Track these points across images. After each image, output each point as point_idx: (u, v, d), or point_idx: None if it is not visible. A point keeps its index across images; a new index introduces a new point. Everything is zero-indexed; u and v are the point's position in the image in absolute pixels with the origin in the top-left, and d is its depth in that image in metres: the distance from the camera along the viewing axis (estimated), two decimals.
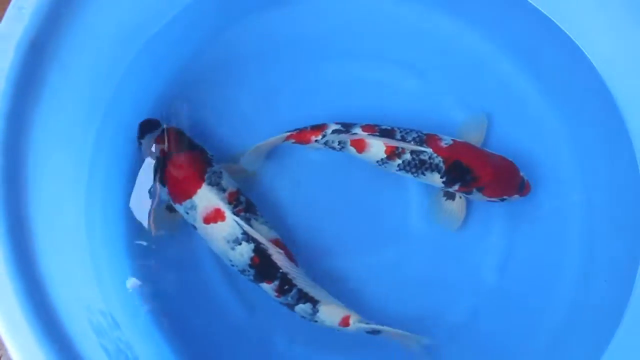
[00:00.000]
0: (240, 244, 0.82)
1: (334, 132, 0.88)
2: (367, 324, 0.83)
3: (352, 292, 0.90)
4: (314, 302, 0.83)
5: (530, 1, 0.91)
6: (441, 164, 0.86)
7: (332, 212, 0.93)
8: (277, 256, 0.82)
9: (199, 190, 0.84)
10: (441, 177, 0.87)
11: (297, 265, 0.84)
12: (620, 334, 0.83)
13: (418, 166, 0.87)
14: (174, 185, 0.86)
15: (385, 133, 0.87)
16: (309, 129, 0.89)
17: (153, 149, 0.88)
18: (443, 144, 0.87)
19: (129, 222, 0.88)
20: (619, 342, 0.83)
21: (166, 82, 0.91)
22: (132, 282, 0.87)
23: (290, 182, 0.94)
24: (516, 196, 0.89)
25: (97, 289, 0.80)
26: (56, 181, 0.77)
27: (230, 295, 0.91)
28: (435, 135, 0.88)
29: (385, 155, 0.87)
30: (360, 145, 0.87)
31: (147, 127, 0.88)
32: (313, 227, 0.92)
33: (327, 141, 0.88)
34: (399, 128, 0.88)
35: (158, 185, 0.87)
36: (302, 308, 0.83)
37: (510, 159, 0.90)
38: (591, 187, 0.92)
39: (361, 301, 0.90)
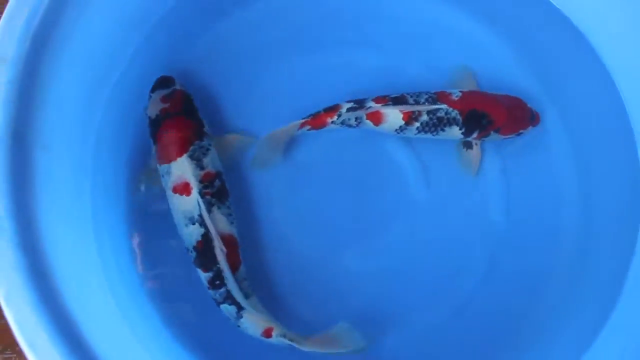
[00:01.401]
0: (193, 224, 0.83)
1: (348, 110, 0.88)
2: (290, 339, 0.81)
3: (369, 271, 0.93)
4: (239, 308, 0.82)
5: None
6: (458, 117, 0.88)
7: (333, 205, 0.94)
8: (218, 251, 0.82)
9: (178, 159, 0.84)
10: (460, 129, 0.89)
11: (238, 266, 0.84)
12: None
13: (436, 124, 0.89)
14: (160, 146, 0.86)
15: (398, 101, 0.88)
16: (322, 112, 0.89)
17: (157, 104, 0.88)
18: (454, 97, 0.89)
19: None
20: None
21: (134, 131, 0.91)
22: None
23: (284, 191, 0.94)
24: (529, 127, 0.92)
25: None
26: (75, 262, 0.77)
27: None
28: (444, 91, 0.90)
29: (403, 122, 0.88)
30: (376, 118, 0.88)
31: (159, 83, 0.89)
32: (318, 226, 0.94)
33: (343, 120, 0.89)
34: (408, 93, 0.89)
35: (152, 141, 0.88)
36: (227, 309, 0.83)
37: (517, 96, 0.93)
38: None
39: (379, 277, 0.93)
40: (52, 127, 0.77)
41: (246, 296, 0.83)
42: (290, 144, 0.93)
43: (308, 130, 0.90)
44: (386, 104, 0.88)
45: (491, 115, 0.89)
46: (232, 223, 0.85)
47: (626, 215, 0.88)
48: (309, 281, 0.92)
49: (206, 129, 0.88)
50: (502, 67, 0.97)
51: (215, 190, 0.85)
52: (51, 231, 0.74)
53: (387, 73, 0.96)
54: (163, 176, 0.85)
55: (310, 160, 0.95)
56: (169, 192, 0.84)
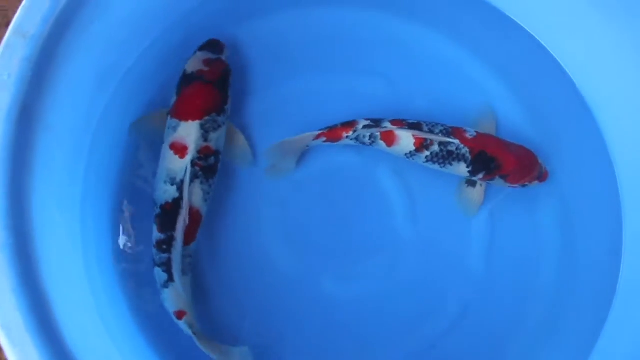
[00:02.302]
0: (172, 185, 0.84)
1: (364, 127, 0.89)
2: (194, 332, 0.81)
3: (344, 296, 0.93)
4: (170, 279, 0.82)
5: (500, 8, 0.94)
6: (467, 154, 0.89)
7: (319, 226, 0.95)
8: (181, 220, 0.83)
9: (189, 121, 0.85)
10: (467, 167, 0.90)
11: (190, 242, 0.85)
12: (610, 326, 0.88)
13: (446, 157, 0.89)
14: (180, 102, 0.87)
15: (413, 126, 0.89)
16: (339, 126, 0.90)
17: (198, 63, 0.89)
18: (468, 136, 0.90)
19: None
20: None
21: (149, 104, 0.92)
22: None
23: (273, 205, 0.95)
24: (536, 182, 0.93)
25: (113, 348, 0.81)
26: (59, 245, 0.77)
27: None
28: (460, 128, 0.91)
29: (414, 148, 0.89)
30: (390, 139, 0.89)
31: (209, 45, 0.91)
32: (301, 245, 0.94)
33: (358, 136, 0.90)
34: (424, 122, 0.90)
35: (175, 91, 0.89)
36: (159, 274, 0.83)
37: (530, 149, 0.93)
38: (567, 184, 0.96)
39: (352, 304, 0.93)
40: (59, 108, 0.77)
41: (183, 272, 0.83)
42: (304, 155, 0.94)
43: (323, 142, 0.91)
44: (401, 127, 0.89)
45: (500, 161, 0.90)
46: (205, 200, 0.86)
47: (604, 277, 0.90)
48: (282, 297, 0.93)
49: (228, 107, 0.89)
50: (508, 115, 0.98)
51: (207, 165, 0.85)
52: (40, 211, 0.74)
53: (393, 103, 0.97)
54: (168, 128, 0.86)
55: (305, 179, 0.95)
56: (166, 146, 0.86)
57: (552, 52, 0.93)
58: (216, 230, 0.93)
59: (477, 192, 0.94)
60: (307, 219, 0.95)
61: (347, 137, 0.90)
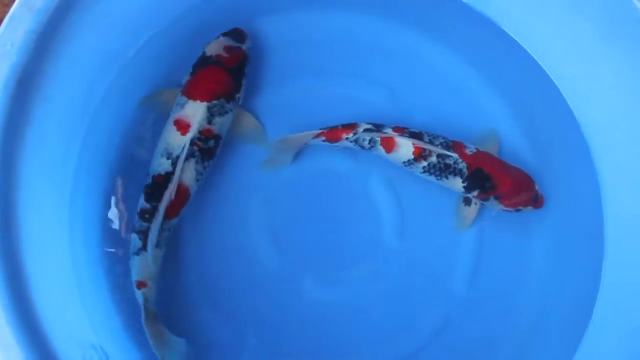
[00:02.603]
0: (168, 159, 0.85)
1: (365, 130, 0.90)
2: (145, 307, 0.82)
3: (327, 301, 0.94)
4: (143, 248, 0.84)
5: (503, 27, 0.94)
6: (464, 170, 0.89)
7: (306, 228, 0.95)
8: (167, 195, 0.84)
9: (197, 102, 0.87)
10: (463, 182, 0.90)
11: (172, 217, 0.86)
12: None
13: (442, 169, 0.90)
14: (192, 81, 0.89)
15: (414, 135, 0.89)
16: (340, 127, 0.90)
17: (218, 48, 0.90)
18: (468, 151, 0.90)
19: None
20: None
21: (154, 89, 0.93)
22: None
23: (263, 200, 0.95)
24: (530, 207, 0.93)
25: (87, 322, 0.81)
26: (42, 217, 0.78)
27: None
28: (461, 142, 0.91)
29: (412, 157, 0.89)
30: (389, 145, 0.89)
31: (232, 33, 0.92)
32: (288, 244, 0.95)
33: (357, 139, 0.90)
34: (426, 132, 0.91)
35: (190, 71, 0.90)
36: (135, 240, 0.85)
37: (528, 173, 0.93)
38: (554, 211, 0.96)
39: (335, 310, 0.94)
40: (60, 82, 0.79)
41: (157, 245, 0.84)
42: (299, 155, 0.95)
43: (322, 141, 0.91)
44: (402, 135, 0.89)
45: (495, 181, 0.90)
46: (197, 181, 0.87)
47: (584, 304, 0.89)
48: (261, 293, 0.94)
49: (239, 95, 0.91)
50: (507, 137, 0.98)
51: (205, 147, 0.87)
52: (28, 182, 0.76)
53: (394, 114, 0.97)
54: (177, 105, 0.88)
55: (297, 181, 0.96)
56: (170, 121, 0.87)
57: (553, 79, 0.92)
58: (203, 218, 0.94)
59: (470, 210, 0.94)
60: (295, 218, 0.95)
61: (347, 138, 0.90)
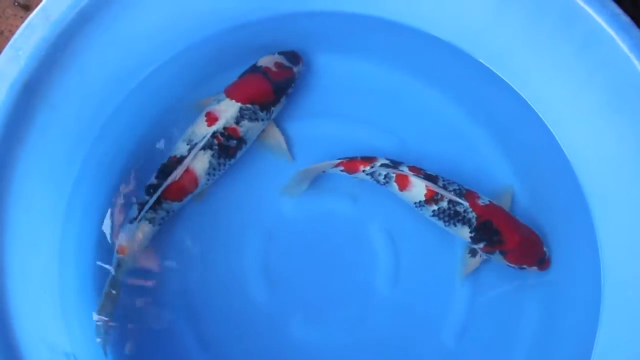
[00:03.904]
0: (187, 144, 0.88)
1: (382, 165, 0.91)
2: (114, 275, 0.85)
3: (312, 342, 0.93)
4: (136, 217, 0.86)
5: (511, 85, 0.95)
6: (473, 220, 0.89)
7: (300, 266, 0.95)
8: (173, 176, 0.86)
9: (233, 101, 0.90)
10: (470, 232, 0.90)
11: (173, 200, 0.87)
12: None
13: (452, 216, 0.89)
14: (236, 83, 0.93)
15: (429, 178, 0.90)
16: (359, 159, 0.92)
17: (270, 62, 0.93)
18: (480, 202, 0.90)
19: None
20: None
21: (150, 124, 0.94)
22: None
23: (260, 234, 0.95)
24: (534, 268, 0.92)
25: (63, 329, 0.81)
26: (34, 219, 0.80)
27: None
28: (475, 192, 0.91)
29: (424, 199, 0.89)
30: (403, 183, 0.90)
31: (288, 53, 0.95)
32: (279, 280, 0.94)
33: (373, 172, 0.91)
34: (442, 177, 0.91)
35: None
36: (133, 209, 0.87)
37: (537, 233, 0.93)
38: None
39: (321, 354, 0.93)
40: (68, 92, 0.80)
41: (151, 221, 0.87)
42: (315, 179, 0.96)
43: (340, 171, 0.92)
44: (417, 175, 0.90)
45: (504, 236, 0.89)
46: (208, 174, 0.89)
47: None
48: (252, 332, 0.93)
49: (274, 109, 0.93)
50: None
51: (225, 145, 0.89)
52: (24, 184, 0.77)
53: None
54: (215, 100, 0.91)
55: (296, 219, 0.96)
56: (204, 112, 0.90)
57: (562, 146, 0.93)
58: (199, 245, 0.94)
59: (473, 262, 0.93)
60: (290, 256, 0.95)
61: (364, 171, 0.91)
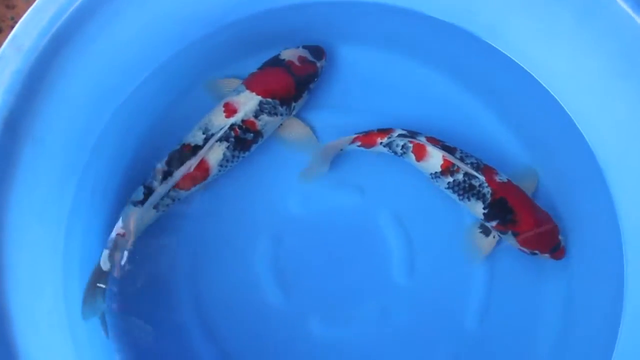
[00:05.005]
0: (203, 134, 0.86)
1: (399, 135, 0.89)
2: (110, 251, 0.84)
3: (330, 338, 0.92)
4: (141, 201, 0.86)
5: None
6: (488, 195, 0.87)
7: (312, 264, 0.93)
8: (187, 166, 0.85)
9: (253, 94, 0.88)
10: (484, 208, 0.88)
11: (182, 188, 0.86)
12: None
13: (466, 189, 0.88)
14: (256, 74, 0.91)
15: (447, 149, 0.88)
16: (375, 131, 0.90)
17: (294, 55, 0.91)
18: (497, 179, 0.88)
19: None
20: None
21: (140, 140, 0.92)
22: None
23: (269, 237, 0.94)
24: (547, 255, 0.90)
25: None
26: (34, 260, 0.77)
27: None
28: (494, 168, 0.89)
29: (440, 169, 0.88)
30: (420, 153, 0.88)
31: (313, 48, 0.93)
32: (294, 283, 0.93)
33: (390, 143, 0.90)
34: (460, 149, 0.89)
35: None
36: (138, 191, 0.86)
37: (556, 221, 0.90)
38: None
39: (345, 352, 0.92)
40: (51, 123, 0.77)
41: (156, 207, 0.86)
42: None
43: (358, 146, 0.91)
44: (435, 145, 0.88)
45: (518, 216, 0.87)
46: (220, 166, 0.88)
47: (600, 350, 0.86)
48: (270, 336, 0.92)
49: (295, 104, 0.91)
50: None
51: (242, 138, 0.87)
52: (18, 223, 0.75)
53: None
54: (234, 90, 0.89)
55: (304, 219, 0.94)
56: (221, 102, 0.88)
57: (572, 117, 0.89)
58: (208, 254, 0.93)
59: (487, 242, 0.92)
60: (302, 256, 0.94)
61: (381, 143, 0.90)
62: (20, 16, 0.73)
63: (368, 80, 0.96)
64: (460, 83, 0.96)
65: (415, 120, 0.94)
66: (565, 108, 0.88)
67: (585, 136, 0.87)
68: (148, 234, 0.88)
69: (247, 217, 0.94)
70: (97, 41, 0.79)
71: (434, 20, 0.90)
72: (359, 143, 0.90)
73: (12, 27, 0.73)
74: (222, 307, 0.92)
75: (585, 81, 0.85)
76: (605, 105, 0.85)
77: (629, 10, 0.78)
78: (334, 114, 0.96)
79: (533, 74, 0.90)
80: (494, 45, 0.90)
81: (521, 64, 0.90)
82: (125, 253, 0.85)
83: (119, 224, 0.85)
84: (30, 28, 0.73)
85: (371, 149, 0.91)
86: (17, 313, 0.73)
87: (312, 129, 0.94)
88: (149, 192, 0.85)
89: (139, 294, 0.91)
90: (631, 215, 0.85)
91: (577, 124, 0.87)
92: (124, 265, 0.86)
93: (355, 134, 0.90)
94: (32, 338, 0.74)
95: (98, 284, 0.83)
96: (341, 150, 0.92)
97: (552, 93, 0.89)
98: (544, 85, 0.89)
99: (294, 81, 0.90)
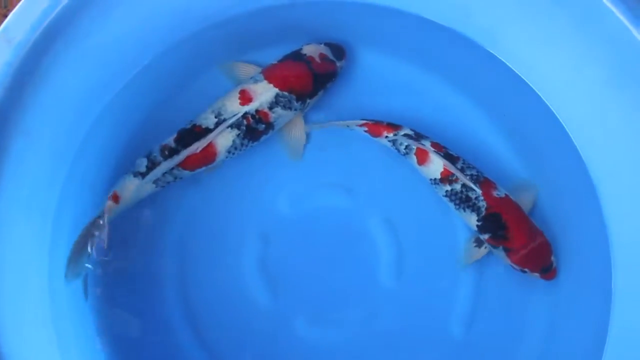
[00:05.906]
0: (215, 117, 0.86)
1: (405, 135, 0.89)
2: (100, 216, 0.83)
3: (318, 346, 0.92)
4: (142, 174, 0.85)
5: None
6: (482, 209, 0.87)
7: (299, 265, 0.93)
8: (194, 147, 0.84)
9: (270, 85, 0.87)
10: (477, 221, 0.88)
11: (187, 168, 0.86)
12: None
13: (462, 200, 0.88)
14: (276, 65, 0.90)
15: (449, 157, 0.88)
16: (384, 123, 0.90)
17: (315, 52, 0.91)
18: (495, 193, 0.88)
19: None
20: None
21: (131, 135, 0.90)
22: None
23: (258, 237, 0.93)
24: (536, 275, 0.89)
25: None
26: (20, 252, 0.77)
27: None
28: (493, 183, 0.89)
29: (439, 177, 0.88)
30: (422, 157, 0.88)
31: (334, 46, 0.93)
32: (281, 283, 0.93)
33: (395, 140, 0.90)
34: (463, 159, 0.89)
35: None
36: (140, 162, 0.86)
37: (549, 241, 0.89)
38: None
39: (328, 353, 0.92)
40: (40, 116, 0.76)
41: (155, 182, 0.85)
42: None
43: (364, 132, 0.91)
44: (438, 152, 0.88)
45: (510, 232, 0.87)
46: (228, 152, 0.87)
47: (588, 352, 0.85)
48: (255, 336, 0.93)
49: (310, 101, 0.91)
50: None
51: (253, 127, 0.87)
52: (4, 219, 0.74)
53: None
54: (251, 78, 0.89)
55: (294, 217, 0.94)
56: (237, 88, 0.88)
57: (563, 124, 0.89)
58: (196, 250, 0.92)
59: (478, 252, 0.91)
60: (290, 256, 0.93)
61: (387, 137, 0.90)
62: (13, 8, 0.73)
63: (367, 83, 0.96)
64: (463, 92, 0.95)
65: (415, 121, 0.94)
66: (557, 116, 0.87)
67: (578, 147, 0.86)
68: (136, 229, 0.89)
69: (236, 216, 0.93)
70: (89, 35, 0.77)
71: (432, 24, 0.89)
72: (366, 129, 0.91)
73: (5, 15, 0.73)
74: (209, 305, 0.92)
75: (580, 90, 0.84)
76: (598, 116, 0.84)
77: (626, 22, 0.77)
78: (334, 115, 0.95)
79: (527, 81, 0.88)
80: (491, 51, 0.89)
81: (516, 70, 0.89)
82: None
83: (115, 188, 0.84)
84: (22, 21, 0.72)
85: (376, 139, 0.91)
86: (1, 308, 0.72)
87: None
88: (152, 165, 0.85)
89: (125, 289, 0.91)
90: (621, 230, 0.84)
91: (569, 133, 0.86)
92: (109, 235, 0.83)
93: (364, 119, 0.90)
94: (16, 333, 0.73)
95: (90, 239, 0.82)
96: (347, 126, 0.92)
97: (545, 101, 0.88)
98: (538, 93, 0.88)
99: (312, 78, 0.89)
